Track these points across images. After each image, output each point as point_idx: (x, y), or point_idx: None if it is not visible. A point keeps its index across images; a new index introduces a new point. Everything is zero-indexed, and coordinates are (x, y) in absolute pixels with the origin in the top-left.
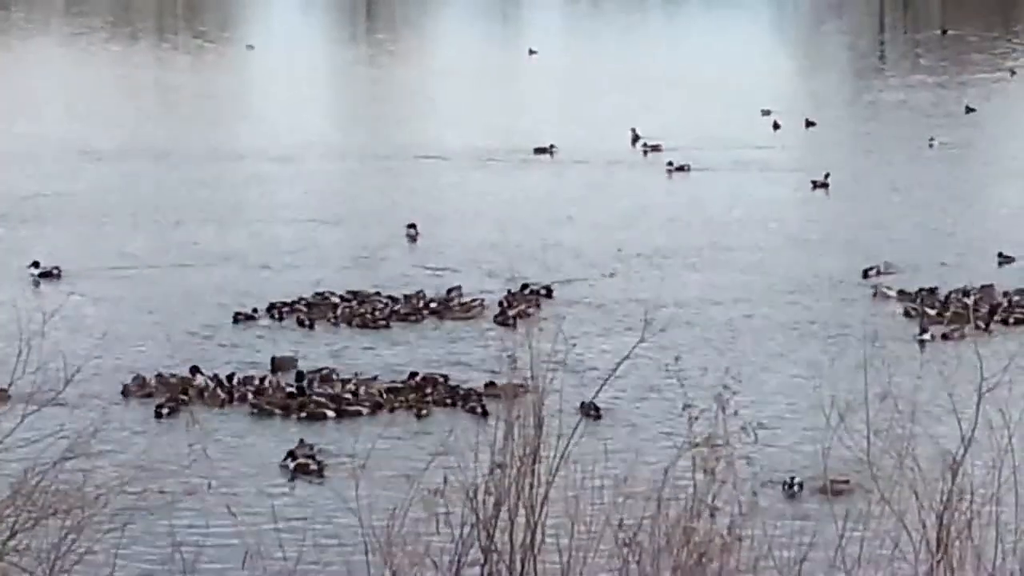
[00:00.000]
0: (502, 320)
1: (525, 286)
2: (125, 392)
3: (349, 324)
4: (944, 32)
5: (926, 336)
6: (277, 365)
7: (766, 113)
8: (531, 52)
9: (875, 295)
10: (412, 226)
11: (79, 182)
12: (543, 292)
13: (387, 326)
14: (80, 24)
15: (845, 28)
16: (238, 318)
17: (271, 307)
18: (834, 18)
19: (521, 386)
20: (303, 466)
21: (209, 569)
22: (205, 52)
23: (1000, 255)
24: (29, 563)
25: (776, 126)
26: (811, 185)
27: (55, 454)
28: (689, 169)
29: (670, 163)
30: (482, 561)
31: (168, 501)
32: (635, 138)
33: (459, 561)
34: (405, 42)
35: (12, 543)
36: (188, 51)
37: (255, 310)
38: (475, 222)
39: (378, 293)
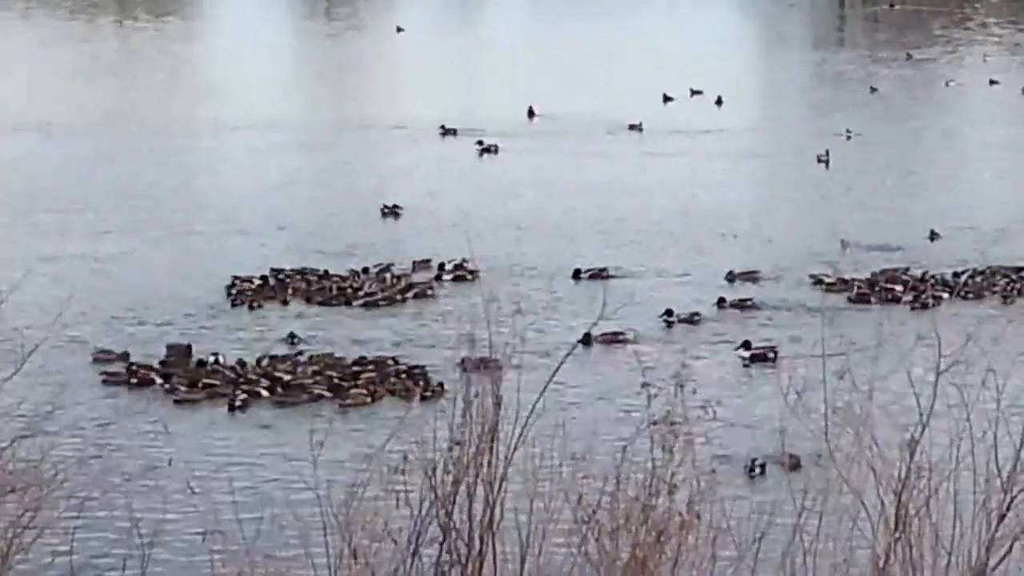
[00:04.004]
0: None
1: (465, 260)
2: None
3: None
4: (892, 6)
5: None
6: (169, 353)
7: (697, 92)
8: (398, 30)
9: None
10: (393, 206)
11: (32, 156)
12: (475, 267)
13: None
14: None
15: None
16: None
17: (232, 284)
18: None
19: (482, 362)
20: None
21: (168, 546)
22: (164, 26)
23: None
24: None
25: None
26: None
27: (12, 432)
28: (496, 150)
29: (479, 142)
30: (441, 538)
31: (127, 478)
32: (531, 113)
33: (418, 538)
34: (357, 18)
35: None
36: (147, 27)
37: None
38: (435, 199)
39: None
